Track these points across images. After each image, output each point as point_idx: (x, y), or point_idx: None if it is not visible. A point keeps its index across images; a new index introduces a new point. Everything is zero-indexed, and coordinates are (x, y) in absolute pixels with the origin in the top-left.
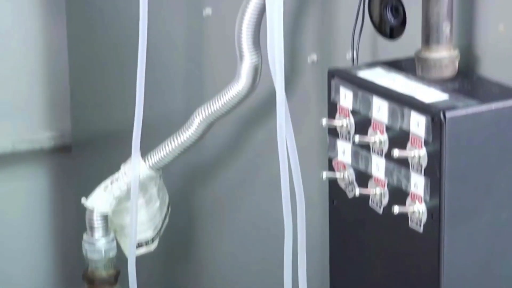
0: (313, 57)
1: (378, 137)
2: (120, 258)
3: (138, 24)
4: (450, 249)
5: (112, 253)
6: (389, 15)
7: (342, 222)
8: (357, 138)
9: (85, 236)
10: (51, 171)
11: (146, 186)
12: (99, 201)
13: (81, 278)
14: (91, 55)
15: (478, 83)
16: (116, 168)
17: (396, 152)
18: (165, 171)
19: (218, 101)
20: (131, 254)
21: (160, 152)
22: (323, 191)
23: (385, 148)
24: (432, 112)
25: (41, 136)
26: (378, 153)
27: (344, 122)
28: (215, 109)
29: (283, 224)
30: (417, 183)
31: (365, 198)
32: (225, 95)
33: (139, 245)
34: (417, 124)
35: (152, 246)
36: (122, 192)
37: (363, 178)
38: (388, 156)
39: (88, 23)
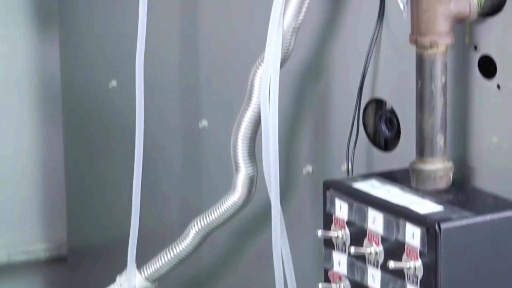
0: (309, 168)
1: (373, 249)
2: None
3: (135, 135)
4: None
5: None
6: (383, 127)
7: None
8: (352, 249)
9: None
10: (47, 282)
11: None
12: None
13: None
14: (87, 166)
15: (473, 195)
16: (112, 280)
17: (392, 264)
18: (161, 282)
19: (214, 212)
20: None
21: (156, 263)
22: None
23: (381, 259)
24: (427, 224)
25: (36, 247)
26: (373, 265)
27: (339, 233)
28: (211, 220)
29: None
30: None
31: None
32: (221, 206)
33: None
34: (413, 235)
35: None
36: None
37: None
38: (384, 268)
39: (85, 133)
